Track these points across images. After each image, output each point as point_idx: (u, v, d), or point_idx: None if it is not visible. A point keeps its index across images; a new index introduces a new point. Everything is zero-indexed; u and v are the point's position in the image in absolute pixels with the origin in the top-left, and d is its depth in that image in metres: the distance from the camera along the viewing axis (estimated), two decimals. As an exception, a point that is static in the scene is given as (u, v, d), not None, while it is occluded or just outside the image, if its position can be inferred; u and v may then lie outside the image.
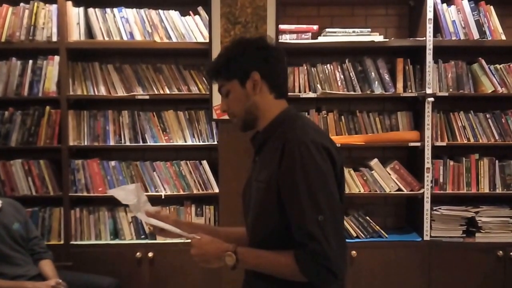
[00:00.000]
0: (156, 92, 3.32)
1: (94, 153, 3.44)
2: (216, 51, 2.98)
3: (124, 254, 3.25)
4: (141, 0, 3.36)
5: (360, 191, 3.33)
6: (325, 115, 3.36)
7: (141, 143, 3.32)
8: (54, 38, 3.22)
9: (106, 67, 3.32)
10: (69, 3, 3.22)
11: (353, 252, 3.22)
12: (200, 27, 3.29)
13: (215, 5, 3.06)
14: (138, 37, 3.29)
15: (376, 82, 3.31)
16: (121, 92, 3.31)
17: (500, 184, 3.32)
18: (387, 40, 3.31)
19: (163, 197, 3.29)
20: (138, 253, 3.25)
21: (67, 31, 3.21)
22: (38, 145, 3.26)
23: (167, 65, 3.36)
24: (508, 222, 3.30)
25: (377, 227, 3.34)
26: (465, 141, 3.33)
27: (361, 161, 3.51)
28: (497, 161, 3.33)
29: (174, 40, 3.28)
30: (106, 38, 3.29)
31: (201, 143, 3.34)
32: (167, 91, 3.32)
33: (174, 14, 3.29)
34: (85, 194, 3.30)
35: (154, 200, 3.23)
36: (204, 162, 3.33)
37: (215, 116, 3.14)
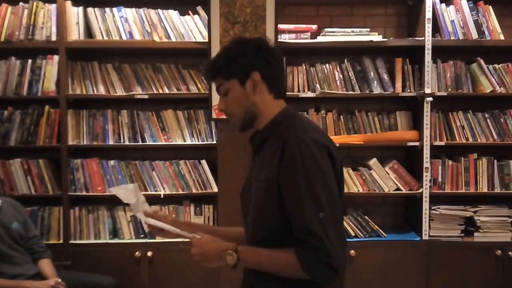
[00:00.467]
0: (155, 92, 3.32)
1: (93, 152, 3.44)
2: (215, 50, 2.99)
3: (123, 253, 3.25)
4: (140, -1, 3.37)
5: (359, 190, 3.33)
6: (324, 115, 3.37)
7: (140, 143, 3.32)
8: (54, 38, 3.22)
9: (105, 67, 3.33)
10: (69, 3, 3.22)
11: (352, 252, 3.22)
12: (199, 26, 3.29)
13: (214, 5, 3.07)
14: (137, 36, 3.29)
15: (375, 81, 3.31)
16: (120, 92, 3.31)
17: (499, 184, 3.33)
18: (386, 40, 3.32)
19: (162, 196, 3.29)
20: (137, 252, 3.25)
21: (66, 31, 3.21)
22: (37, 144, 3.26)
23: (166, 64, 3.36)
24: (507, 222, 3.31)
25: (375, 226, 3.34)
26: (464, 141, 3.33)
27: (360, 160, 3.51)
28: (495, 161, 3.33)
29: (173, 39, 3.28)
30: (105, 38, 3.29)
31: (200, 142, 3.34)
32: (166, 91, 3.32)
33: (173, 13, 3.30)
34: (84, 193, 3.31)
35: (153, 200, 3.24)
36: (203, 162, 3.33)
37: (214, 116, 3.14)
